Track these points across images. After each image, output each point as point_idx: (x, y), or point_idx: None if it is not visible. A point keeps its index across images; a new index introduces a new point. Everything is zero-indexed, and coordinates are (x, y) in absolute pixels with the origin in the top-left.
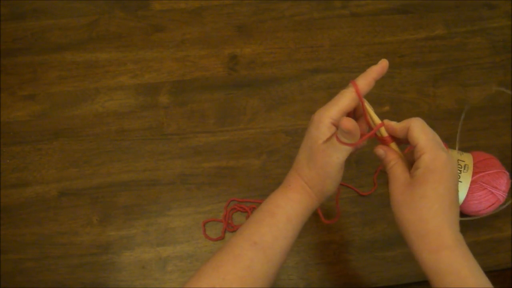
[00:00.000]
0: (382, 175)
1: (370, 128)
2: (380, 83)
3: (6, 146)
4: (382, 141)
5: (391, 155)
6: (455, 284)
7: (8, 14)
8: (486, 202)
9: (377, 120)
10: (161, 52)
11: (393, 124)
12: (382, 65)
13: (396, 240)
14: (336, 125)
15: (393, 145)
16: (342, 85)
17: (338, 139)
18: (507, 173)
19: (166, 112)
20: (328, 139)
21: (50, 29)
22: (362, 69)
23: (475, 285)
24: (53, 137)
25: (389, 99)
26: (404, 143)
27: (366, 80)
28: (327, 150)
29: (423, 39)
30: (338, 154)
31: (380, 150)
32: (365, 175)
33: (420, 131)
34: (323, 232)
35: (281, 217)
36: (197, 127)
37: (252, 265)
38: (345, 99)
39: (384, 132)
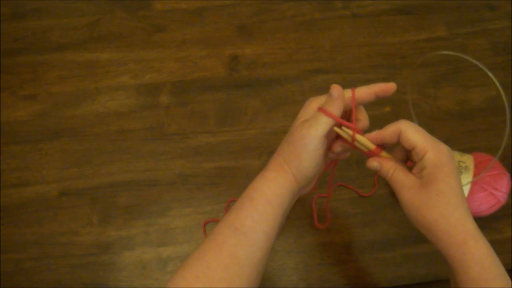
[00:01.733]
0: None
1: (351, 146)
2: None
3: (7, 145)
4: (371, 154)
5: (386, 165)
6: (481, 275)
7: (9, 14)
8: (487, 204)
9: (371, 146)
10: (162, 52)
11: (381, 133)
12: (390, 85)
13: (396, 241)
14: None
15: (384, 153)
16: (343, 86)
17: (320, 108)
18: (508, 175)
19: (166, 112)
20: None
21: (51, 29)
22: (363, 70)
23: (497, 275)
24: (53, 137)
25: (390, 100)
26: (388, 147)
27: (367, 89)
28: (307, 123)
29: (424, 40)
30: (318, 126)
31: (374, 163)
32: (366, 176)
33: (414, 131)
34: (323, 233)
35: (259, 200)
36: (198, 127)
37: (235, 252)
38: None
39: (371, 146)
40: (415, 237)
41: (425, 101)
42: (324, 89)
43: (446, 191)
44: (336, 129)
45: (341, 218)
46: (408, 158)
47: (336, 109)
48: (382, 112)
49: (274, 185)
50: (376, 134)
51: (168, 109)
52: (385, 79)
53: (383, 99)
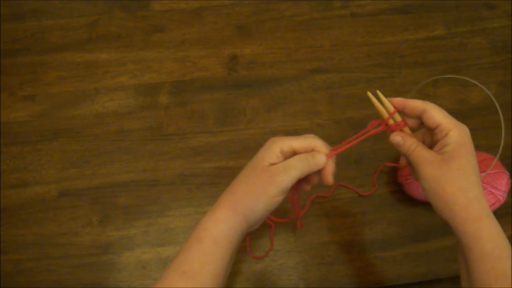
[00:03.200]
0: (382, 175)
1: (381, 118)
2: (380, 83)
3: (6, 146)
4: (395, 127)
5: (409, 139)
6: (494, 252)
7: (8, 15)
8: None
9: (390, 107)
10: (161, 53)
11: (405, 101)
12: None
13: (396, 240)
14: (284, 155)
15: (407, 129)
16: (342, 85)
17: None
18: (507, 174)
19: (166, 112)
20: (277, 163)
21: (50, 30)
22: (362, 69)
23: (509, 255)
24: (53, 138)
25: None
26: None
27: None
28: (275, 169)
29: (423, 39)
30: (286, 178)
31: (397, 137)
32: (365, 175)
33: (439, 111)
34: (323, 232)
35: (207, 241)
36: (197, 127)
37: None
38: (304, 144)
39: (398, 117)
40: (415, 236)
41: (424, 100)
42: (323, 89)
43: (467, 168)
44: (371, 96)
45: (341, 218)
46: (424, 142)
47: (326, 150)
48: None
49: (223, 226)
50: (400, 99)
51: (167, 109)
52: (384, 78)
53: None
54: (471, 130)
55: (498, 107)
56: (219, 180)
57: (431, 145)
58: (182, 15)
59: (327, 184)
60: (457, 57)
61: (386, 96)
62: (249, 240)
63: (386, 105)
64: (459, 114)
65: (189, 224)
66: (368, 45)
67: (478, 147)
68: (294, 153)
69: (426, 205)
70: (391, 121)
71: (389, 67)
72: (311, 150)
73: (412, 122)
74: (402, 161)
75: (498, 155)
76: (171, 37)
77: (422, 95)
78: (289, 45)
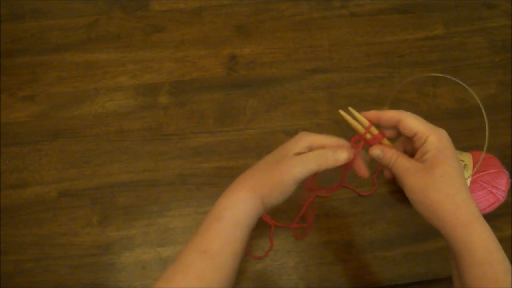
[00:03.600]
0: (382, 175)
1: (358, 133)
2: (379, 83)
3: (6, 147)
4: (372, 141)
5: (389, 151)
6: (486, 258)
7: (8, 15)
8: (486, 202)
9: (365, 121)
10: (160, 53)
11: (378, 113)
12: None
13: (396, 240)
14: (310, 149)
15: (386, 140)
16: (341, 85)
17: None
18: (507, 173)
19: (165, 112)
20: (299, 153)
21: (50, 30)
22: (361, 69)
23: (502, 260)
24: (52, 138)
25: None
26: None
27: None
28: (294, 160)
29: (423, 38)
30: (302, 170)
31: (377, 151)
32: None
33: (414, 119)
34: (323, 232)
35: (228, 221)
36: (197, 127)
37: (202, 275)
38: (332, 142)
39: (374, 130)
40: (414, 236)
41: (423, 100)
42: (322, 89)
43: (450, 173)
44: (344, 114)
45: (340, 217)
46: (405, 151)
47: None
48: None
49: (243, 206)
50: (374, 112)
51: (167, 109)
52: (383, 78)
53: (381, 98)
54: (470, 129)
55: (482, 107)
56: (219, 180)
57: (412, 153)
58: (181, 15)
59: (363, 177)
60: (457, 57)
61: (384, 96)
62: (249, 240)
63: (360, 120)
64: (458, 113)
65: (189, 224)
66: (367, 44)
67: (476, 147)
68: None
69: None
70: (368, 136)
71: (388, 67)
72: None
73: (389, 132)
74: (386, 173)
75: (484, 149)
76: (171, 37)
77: (422, 95)
78: (289, 45)
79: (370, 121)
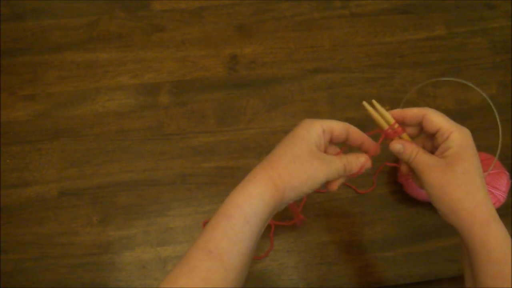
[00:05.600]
0: (382, 175)
1: (379, 128)
2: (380, 83)
3: (6, 146)
4: (393, 134)
5: (410, 146)
6: (502, 257)
7: (8, 14)
8: None
9: (388, 116)
10: (161, 52)
11: (403, 111)
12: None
13: (396, 240)
14: (327, 137)
15: (405, 135)
16: (342, 85)
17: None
18: (508, 174)
19: (166, 112)
20: (319, 144)
21: (50, 29)
22: (362, 69)
23: None
24: (53, 137)
25: (390, 99)
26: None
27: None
28: (332, 161)
29: (424, 39)
30: (332, 174)
31: (397, 145)
32: (365, 175)
33: (438, 115)
34: (323, 232)
35: (237, 219)
36: (197, 127)
37: (208, 276)
38: (341, 126)
39: (391, 120)
40: (414, 236)
41: (424, 100)
42: (323, 89)
43: (471, 171)
44: (368, 107)
45: (341, 217)
46: (424, 147)
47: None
48: None
49: (256, 202)
50: (398, 111)
51: (167, 109)
52: (384, 79)
53: (382, 98)
54: (471, 130)
55: (493, 108)
56: (219, 180)
57: (432, 151)
58: (182, 15)
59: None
60: (457, 57)
61: (385, 96)
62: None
63: (384, 115)
64: (459, 114)
65: (189, 223)
66: (368, 45)
67: (478, 148)
68: (332, 134)
69: (426, 205)
70: (387, 122)
71: (389, 67)
72: (347, 134)
73: (411, 130)
74: (403, 168)
75: (497, 156)
76: (172, 37)
77: (423, 95)
78: (290, 45)
79: (395, 119)
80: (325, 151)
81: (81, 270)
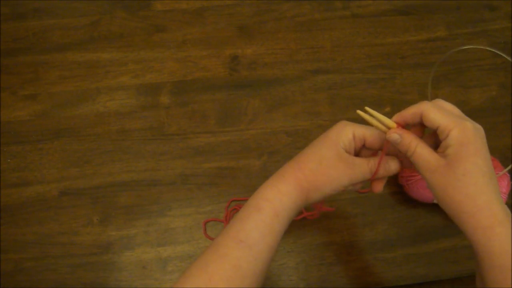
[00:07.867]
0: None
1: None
2: (381, 84)
3: (7, 145)
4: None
5: (407, 136)
6: (506, 263)
7: (9, 14)
8: None
9: (386, 119)
10: (162, 53)
11: (402, 114)
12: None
13: (397, 241)
14: (355, 141)
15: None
16: (343, 86)
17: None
18: (508, 175)
19: (167, 112)
20: (348, 149)
21: (52, 29)
22: (363, 70)
23: None
24: (54, 137)
25: (390, 100)
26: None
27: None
28: (358, 165)
29: (424, 40)
30: (357, 178)
31: (394, 135)
32: None
33: (435, 111)
34: (323, 233)
35: (268, 212)
36: (198, 127)
37: (239, 264)
38: (375, 134)
39: (392, 124)
40: (415, 237)
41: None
42: (324, 90)
43: (472, 171)
44: (364, 115)
45: (341, 218)
46: (436, 144)
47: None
48: (382, 113)
49: (286, 199)
50: (397, 115)
51: (168, 109)
52: (385, 79)
53: (382, 99)
54: None
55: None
56: (220, 180)
57: (436, 146)
58: (183, 15)
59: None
60: (458, 59)
61: (386, 97)
62: None
63: (381, 119)
64: None
65: (190, 224)
66: (369, 46)
67: None
68: (364, 141)
69: (426, 206)
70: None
71: (390, 68)
72: (381, 144)
73: (417, 129)
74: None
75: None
76: (173, 37)
77: (423, 97)
78: (290, 46)
79: (398, 123)
80: (358, 154)
81: (81, 270)
